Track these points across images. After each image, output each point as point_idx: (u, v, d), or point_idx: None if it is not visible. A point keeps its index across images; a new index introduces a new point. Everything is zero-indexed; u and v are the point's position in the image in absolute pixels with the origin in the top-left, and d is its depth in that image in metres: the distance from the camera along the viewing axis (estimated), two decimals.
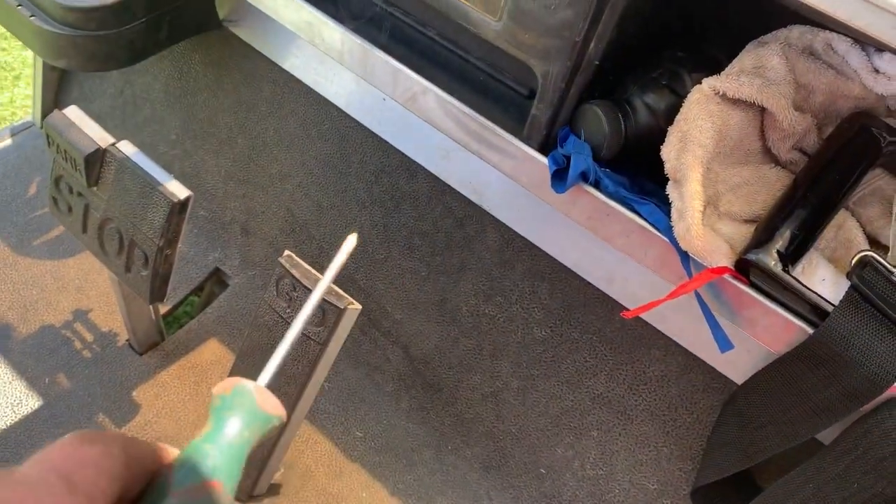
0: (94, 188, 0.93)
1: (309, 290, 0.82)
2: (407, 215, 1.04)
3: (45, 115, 1.36)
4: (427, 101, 0.86)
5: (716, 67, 0.76)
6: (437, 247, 1.03)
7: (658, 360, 0.90)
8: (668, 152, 0.71)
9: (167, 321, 1.20)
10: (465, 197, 0.98)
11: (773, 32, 0.74)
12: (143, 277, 0.92)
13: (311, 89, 1.08)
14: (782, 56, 0.70)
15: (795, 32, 0.72)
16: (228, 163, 1.20)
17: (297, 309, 0.83)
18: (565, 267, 0.92)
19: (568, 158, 0.76)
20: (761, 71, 0.70)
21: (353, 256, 1.10)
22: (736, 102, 0.70)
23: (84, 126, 0.91)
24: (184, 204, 0.87)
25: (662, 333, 0.87)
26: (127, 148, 0.90)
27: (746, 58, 0.71)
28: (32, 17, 1.02)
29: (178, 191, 0.87)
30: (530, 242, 0.95)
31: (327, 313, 0.81)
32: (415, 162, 1.01)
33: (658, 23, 0.78)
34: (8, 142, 1.35)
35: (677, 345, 0.87)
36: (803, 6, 0.61)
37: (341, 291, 0.80)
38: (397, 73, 0.87)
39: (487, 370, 1.01)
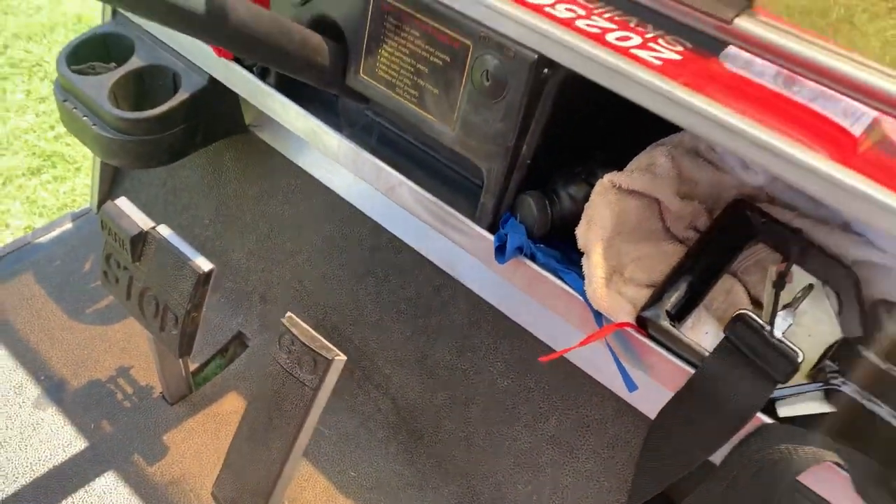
0: (137, 263, 1.14)
1: (305, 345, 1.01)
2: (395, 284, 1.24)
3: (100, 203, 1.60)
4: (403, 192, 1.07)
5: (622, 165, 0.95)
6: (420, 310, 1.22)
7: (597, 405, 1.07)
8: (579, 231, 0.90)
9: (196, 378, 1.40)
10: (440, 268, 1.18)
11: (670, 136, 0.94)
12: (173, 336, 1.13)
13: (319, 181, 1.30)
14: (669, 156, 0.90)
15: (687, 136, 0.92)
16: (251, 242, 1.42)
17: (294, 360, 1.03)
18: (521, 326, 1.11)
19: (508, 237, 0.96)
20: (652, 168, 0.90)
21: (352, 320, 1.30)
22: (632, 192, 0.89)
23: (131, 213, 1.14)
24: (207, 275, 1.08)
25: (599, 381, 1.04)
26: (164, 230, 1.12)
27: (642, 157, 0.91)
28: (94, 126, 1.27)
29: (203, 265, 1.08)
30: (493, 306, 1.14)
31: (318, 363, 1.00)
32: (400, 240, 1.21)
33: (578, 131, 0.98)
34: (69, 226, 1.60)
35: (610, 391, 1.04)
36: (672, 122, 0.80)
37: (330, 345, 0.99)
38: (380, 170, 1.08)
39: (461, 417, 1.19)
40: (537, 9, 0.89)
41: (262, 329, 1.40)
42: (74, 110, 1.29)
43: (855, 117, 0.74)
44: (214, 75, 1.25)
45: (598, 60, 0.80)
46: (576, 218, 0.96)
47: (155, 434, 1.28)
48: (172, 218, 1.51)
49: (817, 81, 0.78)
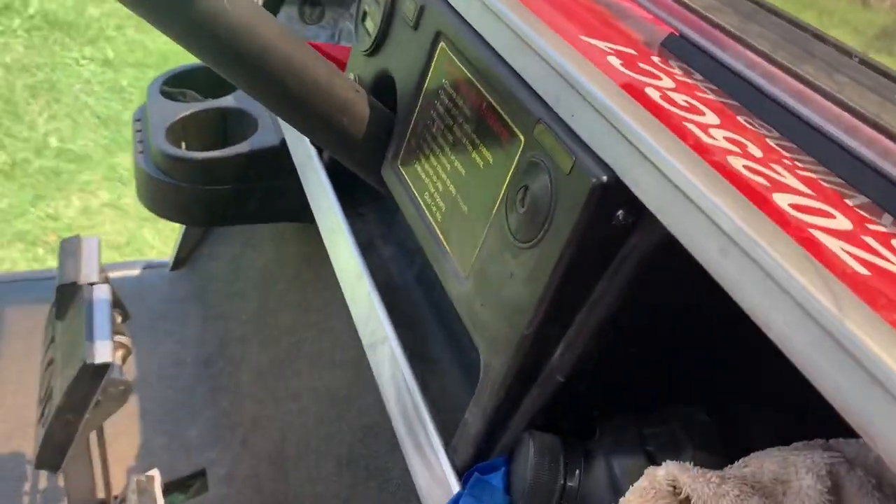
0: (60, 322, 0.84)
1: None
2: (370, 498, 0.80)
3: (178, 260, 1.37)
4: (382, 355, 0.65)
5: (731, 450, 0.45)
6: None
7: None
8: None
9: None
10: None
11: (838, 440, 0.42)
12: (39, 434, 0.79)
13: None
14: (825, 477, 0.38)
15: (867, 453, 0.40)
16: (266, 362, 1.06)
17: None
18: None
19: None
20: (777, 490, 0.39)
21: None
22: None
23: (84, 258, 0.85)
24: (97, 370, 0.74)
25: None
26: (100, 292, 0.81)
27: (769, 460, 0.40)
28: (140, 155, 1.02)
29: (101, 354, 0.74)
30: None
31: None
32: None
33: (681, 349, 0.50)
34: (136, 272, 1.38)
35: None
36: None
37: None
38: (371, 310, 0.68)
39: None
40: (645, 99, 0.47)
41: (227, 481, 1.01)
42: (137, 132, 1.06)
43: None
44: (285, 135, 0.95)
45: (758, 252, 0.36)
46: None
47: None
48: (220, 303, 1.22)
49: None
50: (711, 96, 0.59)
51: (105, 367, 0.74)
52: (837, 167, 0.54)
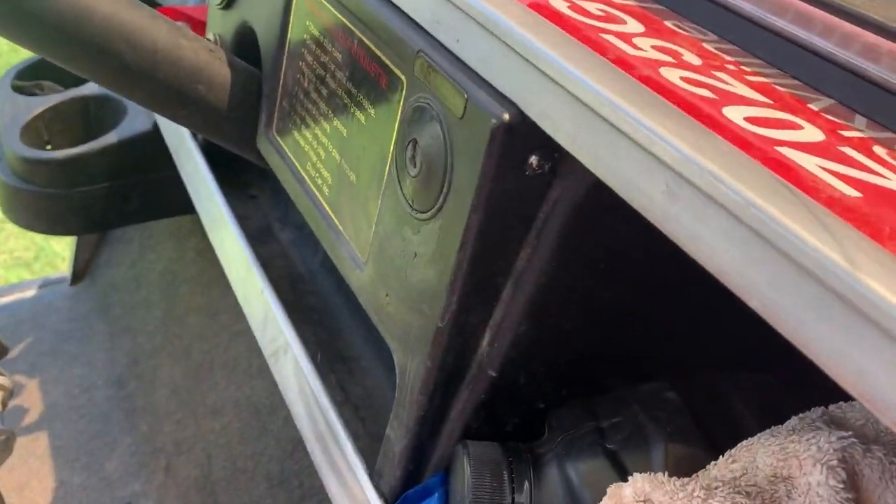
0: None
1: None
2: None
3: (75, 273, 1.23)
4: (285, 365, 0.54)
5: (733, 435, 0.36)
6: None
7: None
8: None
9: None
10: None
11: (852, 404, 0.33)
12: None
13: None
14: (837, 468, 0.29)
15: (875, 425, 0.31)
16: (179, 376, 0.95)
17: None
18: None
19: None
20: (780, 491, 0.30)
21: None
22: None
23: None
24: None
25: None
26: None
27: (762, 451, 0.31)
28: None
29: None
30: None
31: None
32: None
33: (630, 314, 0.41)
34: (32, 292, 1.24)
35: None
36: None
37: None
38: (268, 312, 0.57)
39: None
40: (548, 11, 0.36)
41: None
42: None
43: None
44: (157, 118, 0.82)
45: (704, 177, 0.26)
46: None
47: None
48: (124, 315, 1.09)
49: None
50: (631, 1, 0.49)
51: None
52: (792, 66, 0.44)
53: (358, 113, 0.46)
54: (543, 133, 0.33)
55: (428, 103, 0.38)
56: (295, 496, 0.73)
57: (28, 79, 0.97)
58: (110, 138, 0.85)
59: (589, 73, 0.31)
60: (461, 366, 0.40)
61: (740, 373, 0.40)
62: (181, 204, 0.91)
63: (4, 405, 0.75)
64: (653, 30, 0.44)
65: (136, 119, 0.86)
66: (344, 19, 0.47)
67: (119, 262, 1.16)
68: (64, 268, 1.97)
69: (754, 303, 0.24)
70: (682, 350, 0.41)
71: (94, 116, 0.93)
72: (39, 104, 0.91)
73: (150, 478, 0.93)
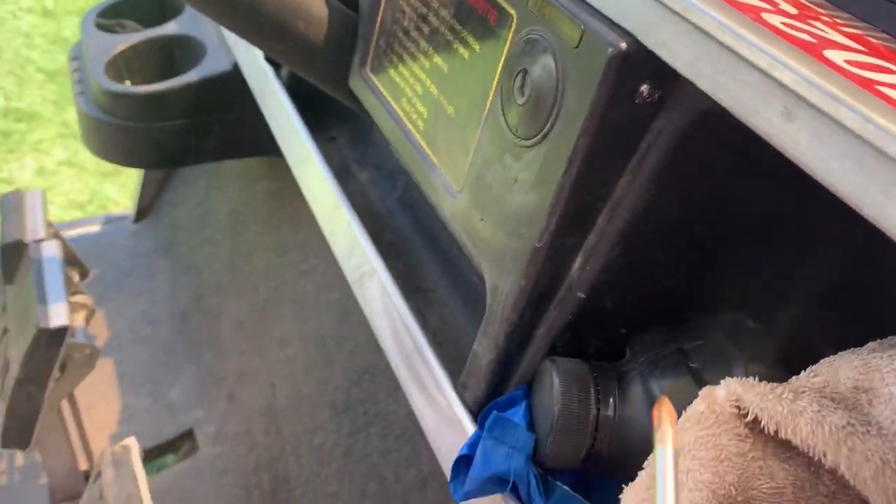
0: (10, 287, 0.75)
1: None
2: (372, 445, 0.73)
3: (140, 211, 1.27)
4: (371, 289, 0.58)
5: (790, 360, 0.38)
6: (391, 501, 0.70)
7: None
8: (627, 498, 0.35)
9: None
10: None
11: None
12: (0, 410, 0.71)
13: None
14: None
15: None
16: (245, 310, 0.99)
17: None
18: None
19: (483, 446, 0.42)
20: (861, 399, 0.32)
21: (304, 479, 0.81)
22: (784, 444, 0.32)
23: (28, 213, 0.76)
24: (54, 334, 0.66)
25: None
26: (49, 248, 0.72)
27: (844, 366, 0.34)
28: (80, 96, 0.92)
29: (56, 317, 0.66)
30: None
31: None
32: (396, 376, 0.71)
33: (718, 245, 0.43)
34: (96, 228, 1.28)
35: None
36: None
37: None
38: (354, 242, 0.60)
39: None
40: None
41: (217, 439, 0.95)
42: (75, 73, 0.96)
43: None
44: (237, 58, 0.85)
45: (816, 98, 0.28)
46: (647, 445, 0.40)
47: None
48: (192, 252, 1.13)
49: None
50: None
51: (63, 331, 0.66)
52: (881, 20, 0.46)
53: (461, 49, 0.48)
54: (655, 62, 0.35)
55: (541, 35, 0.40)
56: (360, 423, 0.77)
57: (110, 17, 1.00)
58: (191, 76, 0.88)
59: (705, 3, 0.33)
60: (552, 286, 0.43)
61: (821, 310, 0.42)
62: (255, 145, 0.95)
63: (87, 321, 0.79)
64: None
65: (216, 59, 0.89)
66: None
67: (184, 201, 1.20)
68: (117, 210, 2.03)
69: (868, 211, 0.26)
70: (765, 287, 0.43)
71: (174, 56, 0.96)
72: (121, 41, 0.94)
73: (212, 405, 0.98)
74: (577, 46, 0.38)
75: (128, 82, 0.97)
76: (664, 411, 0.32)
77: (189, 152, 0.92)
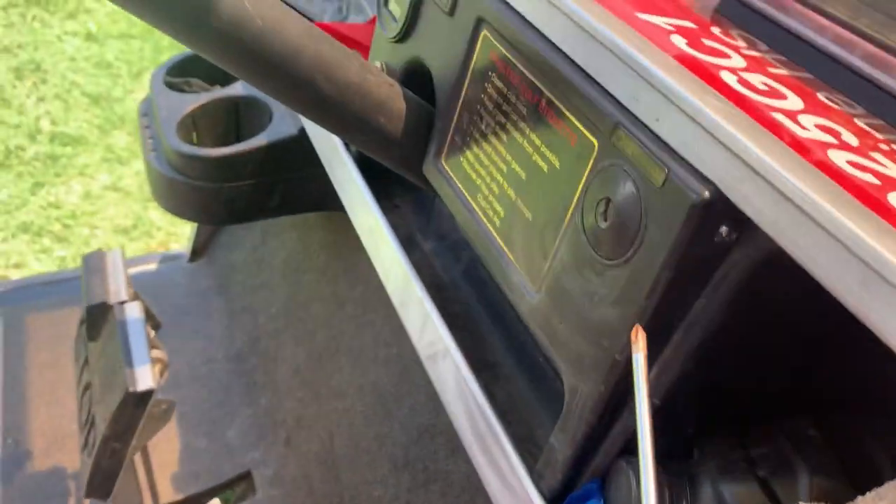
0: (93, 343, 0.80)
1: None
2: (431, 502, 0.77)
3: (195, 251, 1.33)
4: (445, 368, 0.62)
5: (869, 476, 0.42)
6: None
7: None
8: None
9: None
10: None
11: None
12: (86, 463, 0.76)
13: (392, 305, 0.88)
14: None
15: None
16: (303, 356, 1.03)
17: None
18: None
19: None
20: None
21: None
22: None
23: (112, 272, 0.81)
24: (141, 397, 0.70)
25: None
26: (132, 311, 0.77)
27: None
28: (152, 153, 0.97)
29: (142, 380, 0.71)
30: None
31: None
32: (458, 436, 0.74)
33: (784, 360, 0.47)
34: (152, 266, 1.34)
35: None
36: None
37: None
38: (427, 319, 0.64)
39: None
40: (746, 103, 0.42)
41: (274, 482, 0.99)
42: (146, 129, 1.01)
43: None
44: (304, 124, 0.90)
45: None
46: None
47: None
48: (247, 295, 1.18)
49: None
50: (784, 71, 0.54)
51: (149, 394, 0.71)
52: None
53: (539, 160, 0.52)
54: (735, 209, 0.39)
55: (625, 169, 0.44)
56: (419, 479, 0.81)
57: (177, 75, 1.06)
58: (260, 140, 0.93)
59: (781, 162, 0.37)
60: (628, 392, 0.47)
61: (876, 418, 0.46)
62: (316, 201, 0.99)
63: (162, 374, 0.84)
64: (811, 105, 0.49)
65: (284, 123, 0.94)
66: (532, 78, 0.53)
67: (239, 245, 1.25)
68: (160, 237, 2.09)
69: None
70: (826, 394, 0.47)
71: (239, 114, 1.01)
72: (191, 101, 0.99)
73: (269, 448, 1.02)
74: (661, 186, 0.42)
75: (194, 135, 1.02)
76: (639, 332, 0.43)
77: (255, 209, 0.97)
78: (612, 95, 0.46)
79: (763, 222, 0.37)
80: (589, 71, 0.48)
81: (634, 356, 0.43)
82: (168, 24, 0.54)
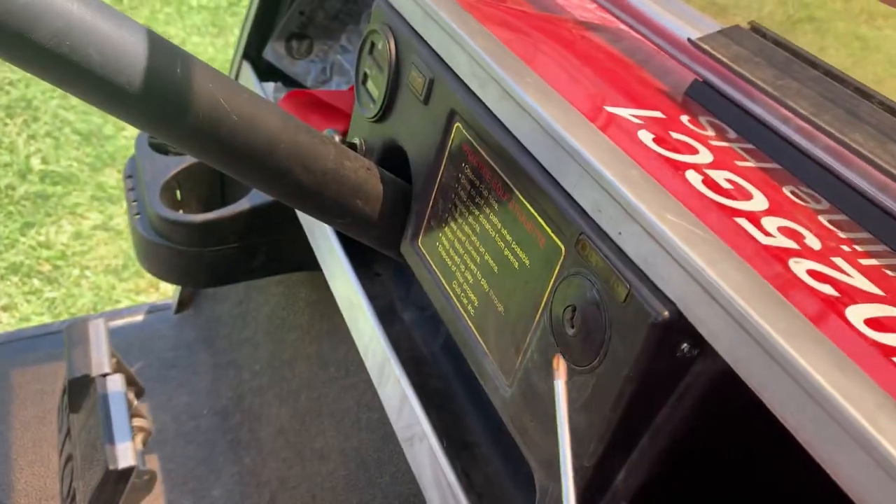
0: (75, 415, 0.81)
1: None
2: None
3: (181, 302, 1.33)
4: (421, 453, 0.62)
5: None
6: None
7: None
8: None
9: None
10: None
11: None
12: None
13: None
14: None
15: None
16: (286, 417, 1.03)
17: None
18: None
19: None
20: None
21: None
22: None
23: (94, 343, 0.81)
24: (122, 474, 0.71)
25: None
26: (113, 384, 0.78)
27: None
28: (136, 217, 0.98)
29: (123, 457, 0.71)
30: None
31: None
32: None
33: (752, 465, 0.48)
34: (139, 318, 1.34)
35: None
36: None
37: None
38: (404, 400, 0.65)
39: None
40: (710, 210, 0.44)
41: None
42: (130, 191, 1.02)
43: None
44: None
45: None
46: None
47: None
48: (232, 350, 1.18)
49: None
50: (751, 163, 0.56)
51: (129, 471, 0.71)
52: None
53: (511, 257, 0.53)
54: (694, 328, 0.40)
55: (590, 279, 0.45)
56: None
57: None
58: (243, 205, 0.94)
59: (737, 288, 0.38)
60: (599, 494, 0.48)
61: None
62: (300, 262, 1.00)
63: (144, 444, 0.84)
64: (776, 204, 0.50)
65: None
66: (503, 175, 0.54)
67: (225, 298, 1.26)
68: (150, 277, 2.09)
69: None
70: (790, 496, 0.48)
71: (226, 177, 1.02)
72: (175, 164, 1.00)
73: None
74: (623, 301, 0.43)
75: (178, 194, 1.03)
76: (560, 361, 0.45)
77: (238, 272, 0.98)
78: (577, 203, 0.47)
79: (718, 347, 0.38)
80: (555, 176, 0.49)
81: (556, 383, 0.45)
82: (144, 121, 0.55)
